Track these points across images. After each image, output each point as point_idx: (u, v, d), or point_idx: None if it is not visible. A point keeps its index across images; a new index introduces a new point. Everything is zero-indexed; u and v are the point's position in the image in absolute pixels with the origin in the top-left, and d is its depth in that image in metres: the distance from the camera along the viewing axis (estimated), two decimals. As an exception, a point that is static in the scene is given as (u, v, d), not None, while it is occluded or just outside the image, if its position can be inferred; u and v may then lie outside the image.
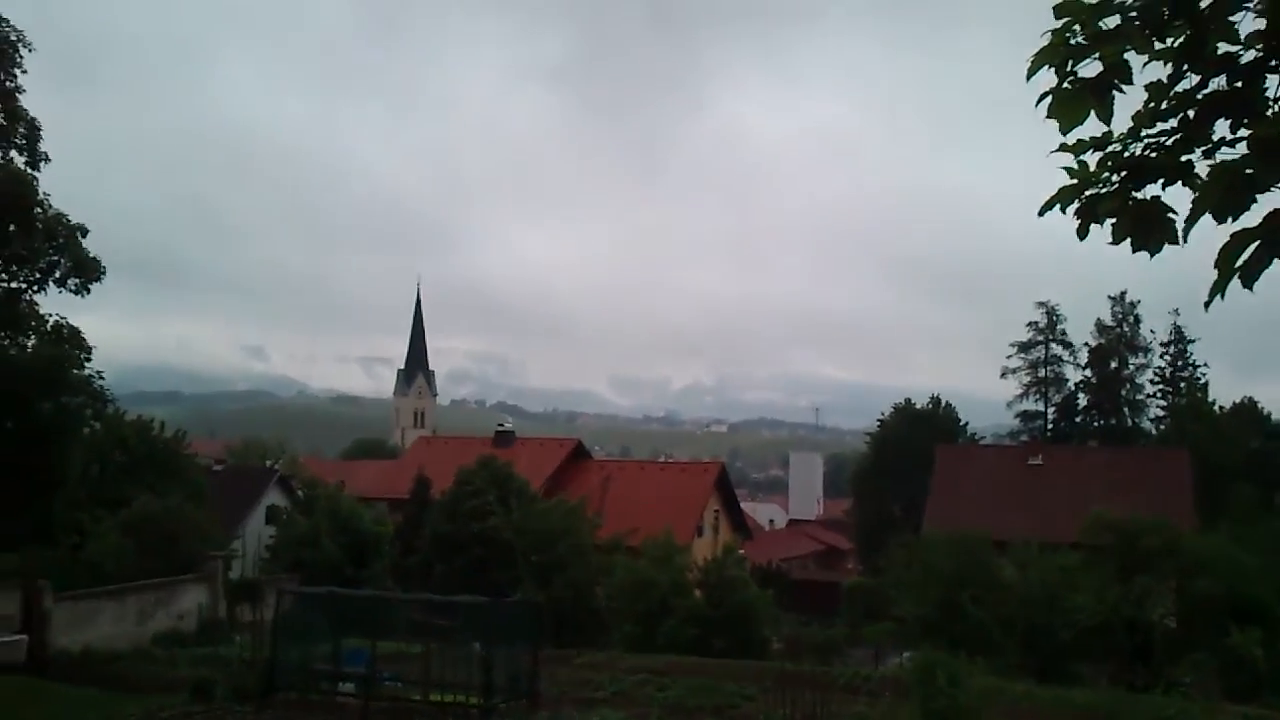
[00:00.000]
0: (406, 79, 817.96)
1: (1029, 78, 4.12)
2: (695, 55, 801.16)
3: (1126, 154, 4.15)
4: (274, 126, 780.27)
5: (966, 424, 72.56)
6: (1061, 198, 4.27)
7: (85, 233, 27.99)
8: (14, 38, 26.34)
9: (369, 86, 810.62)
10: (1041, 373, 69.97)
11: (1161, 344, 67.40)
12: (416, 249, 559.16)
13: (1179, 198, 4.13)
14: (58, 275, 27.84)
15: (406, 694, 19.49)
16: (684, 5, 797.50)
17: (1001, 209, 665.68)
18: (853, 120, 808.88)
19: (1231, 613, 28.36)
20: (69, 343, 28.17)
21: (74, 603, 27.34)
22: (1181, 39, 3.89)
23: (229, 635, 30.31)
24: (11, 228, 27.28)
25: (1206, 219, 3.96)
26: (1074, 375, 70.05)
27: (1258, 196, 3.85)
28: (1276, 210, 3.78)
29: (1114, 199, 4.18)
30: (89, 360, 28.78)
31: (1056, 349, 70.00)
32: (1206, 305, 4.00)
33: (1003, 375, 70.55)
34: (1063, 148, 4.21)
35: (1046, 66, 4.09)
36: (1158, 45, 3.93)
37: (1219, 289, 3.91)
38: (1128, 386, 68.02)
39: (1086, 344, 68.84)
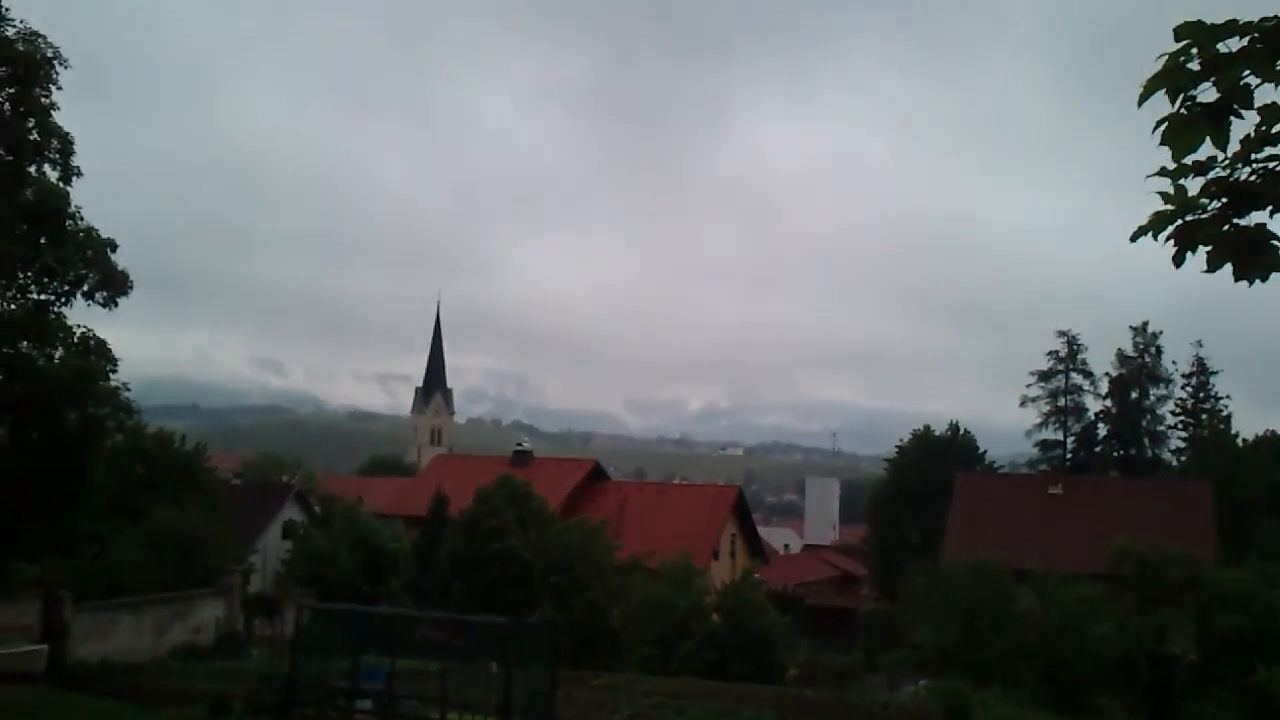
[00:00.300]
0: (430, 99, 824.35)
1: (1141, 103, 4.01)
2: (717, 81, 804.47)
3: (1232, 179, 4.03)
4: (296, 143, 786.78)
5: (985, 452, 72.17)
6: (1155, 224, 4.17)
7: (115, 247, 28.24)
8: (50, 54, 26.62)
9: (393, 106, 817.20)
10: (1061, 402, 69.58)
11: (1183, 375, 67.06)
12: (436, 267, 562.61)
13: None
14: (86, 288, 28.06)
15: (424, 713, 19.45)
16: (707, 32, 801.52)
17: (1023, 236, 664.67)
18: (873, 148, 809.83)
19: (1258, 649, 28.00)
20: (96, 354, 28.34)
21: (93, 613, 27.46)
22: None
23: (246, 649, 30.39)
24: (43, 240, 27.51)
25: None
26: (1094, 405, 69.74)
27: None
28: None
29: (1214, 225, 4.07)
30: (114, 372, 28.96)
31: (1077, 378, 69.67)
32: None
33: (1022, 404, 70.31)
34: (1162, 172, 4.11)
35: (1161, 91, 3.96)
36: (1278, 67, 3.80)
37: None
38: (1148, 417, 67.59)
39: (1107, 374, 68.56)
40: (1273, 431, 61.20)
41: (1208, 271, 4.14)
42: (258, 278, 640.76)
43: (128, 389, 29.54)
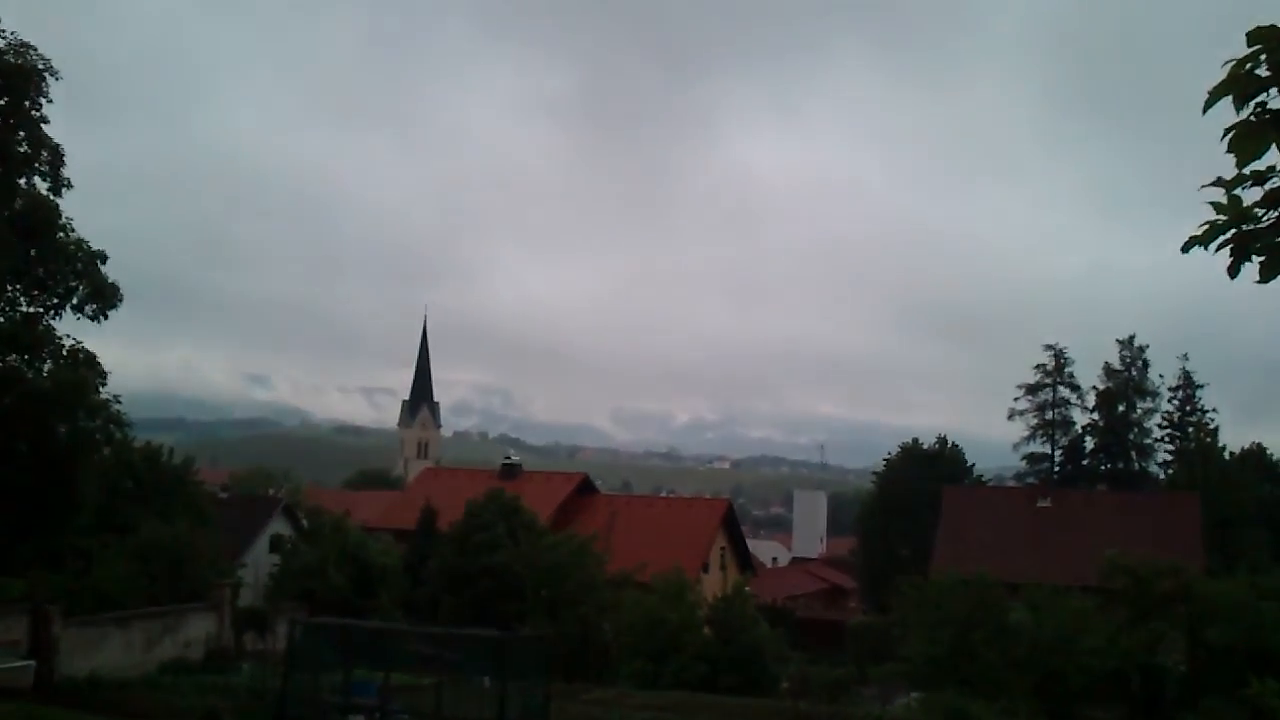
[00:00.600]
0: (415, 111, 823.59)
1: (1206, 109, 3.97)
2: (704, 96, 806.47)
3: None
4: (281, 156, 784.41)
5: (973, 465, 72.29)
6: (1208, 235, 4.13)
7: (105, 259, 28.12)
8: (41, 65, 26.55)
9: (377, 118, 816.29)
10: (1049, 415, 69.70)
11: (1170, 388, 67.33)
12: (421, 281, 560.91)
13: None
14: (76, 301, 27.92)
15: (417, 727, 19.35)
16: (693, 44, 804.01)
17: (1008, 249, 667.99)
18: (859, 161, 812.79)
19: (1249, 661, 28.02)
20: (85, 367, 28.19)
21: (81, 628, 27.26)
22: None
23: (236, 664, 30.19)
24: (33, 252, 27.38)
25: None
26: (1081, 418, 69.89)
27: None
28: None
29: (1270, 235, 4.04)
30: (104, 385, 28.79)
31: (1064, 392, 69.82)
32: None
33: (1010, 417, 70.39)
34: (1218, 182, 4.07)
35: (1227, 98, 3.92)
36: None
37: None
38: (1136, 430, 67.79)
39: (1094, 387, 68.72)
40: (1259, 444, 61.57)
41: (1260, 282, 4.11)
42: (243, 290, 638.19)
43: (119, 401, 29.43)
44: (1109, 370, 68.00)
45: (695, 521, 56.89)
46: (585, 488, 62.88)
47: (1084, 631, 30.62)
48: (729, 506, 63.17)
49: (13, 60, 26.26)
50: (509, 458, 67.65)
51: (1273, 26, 3.82)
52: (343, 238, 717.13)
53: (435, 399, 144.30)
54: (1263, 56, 3.86)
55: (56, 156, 27.23)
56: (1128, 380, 67.61)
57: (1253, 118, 3.93)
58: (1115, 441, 67.93)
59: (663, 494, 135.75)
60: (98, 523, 33.96)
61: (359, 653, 20.67)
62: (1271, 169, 4.00)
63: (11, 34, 26.51)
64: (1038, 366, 69.83)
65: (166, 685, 25.97)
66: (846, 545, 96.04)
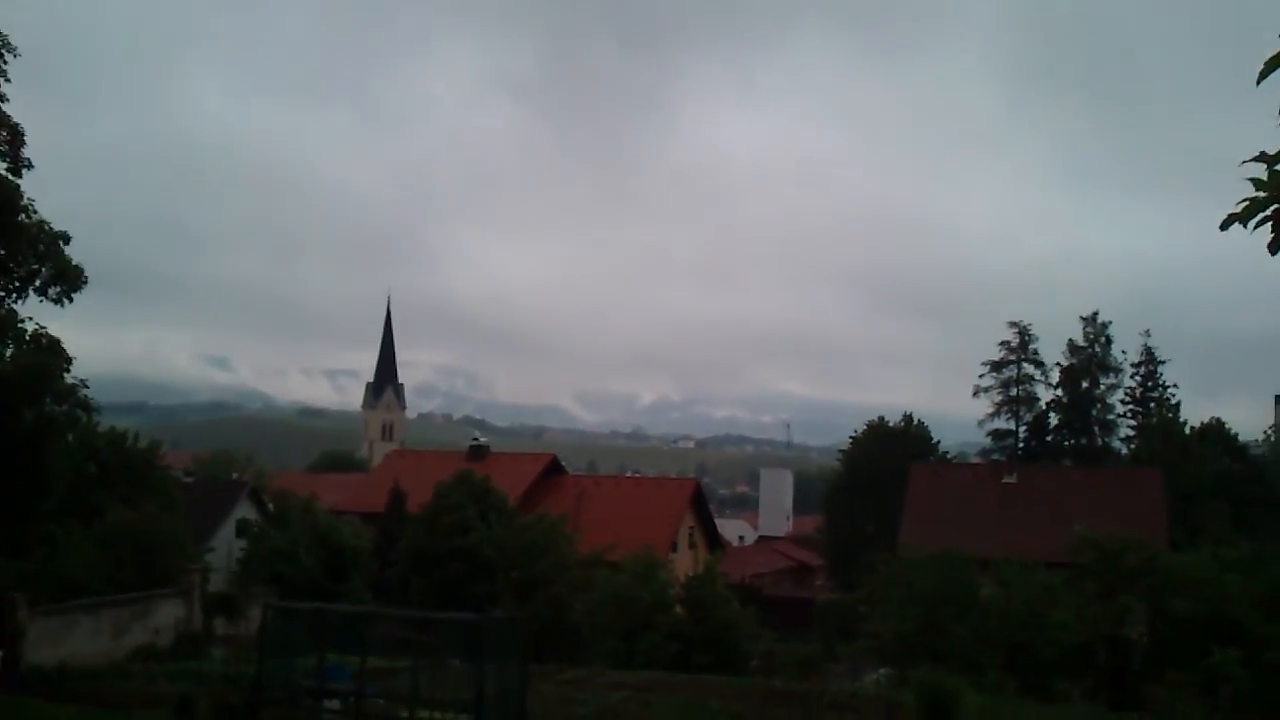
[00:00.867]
0: (376, 93, 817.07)
1: (1260, 80, 3.92)
2: (667, 74, 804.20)
3: None
4: (241, 138, 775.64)
5: (939, 442, 72.90)
6: (1248, 212, 4.07)
7: (68, 240, 27.57)
8: (-2, 43, 25.99)
9: (338, 100, 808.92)
10: (1013, 391, 70.33)
11: (1132, 365, 68.06)
12: (385, 262, 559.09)
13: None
14: (38, 283, 27.40)
15: (393, 711, 19.25)
16: (657, 25, 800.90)
17: (973, 228, 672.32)
18: (826, 139, 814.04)
19: (1211, 632, 28.52)
20: (48, 351, 27.68)
21: (48, 617, 26.87)
22: None
23: (206, 650, 29.92)
24: (-6, 234, 26.87)
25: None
26: (1045, 394, 70.54)
27: None
28: None
29: None
30: (69, 369, 28.30)
31: (1028, 368, 70.46)
32: None
33: (975, 394, 70.96)
34: (1260, 157, 4.02)
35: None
36: None
37: None
38: (1099, 406, 68.49)
39: (1058, 364, 69.34)
40: (1218, 419, 62.40)
41: None
42: (204, 273, 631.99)
43: (86, 386, 28.96)
44: (1073, 347, 68.61)
45: (663, 501, 57.01)
46: (553, 469, 62.81)
47: (1053, 606, 31.02)
48: (697, 486, 63.37)
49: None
50: (476, 439, 67.40)
51: None
52: (305, 219, 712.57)
53: (399, 381, 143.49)
54: None
55: (17, 136, 26.68)
56: (1091, 357, 68.23)
57: None
58: (1079, 417, 68.60)
59: (629, 474, 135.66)
60: (63, 508, 33.44)
61: (333, 637, 20.54)
62: None
63: (-33, 11, 25.97)
64: (1002, 344, 70.47)
65: (137, 673, 25.68)
66: (812, 523, 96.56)
